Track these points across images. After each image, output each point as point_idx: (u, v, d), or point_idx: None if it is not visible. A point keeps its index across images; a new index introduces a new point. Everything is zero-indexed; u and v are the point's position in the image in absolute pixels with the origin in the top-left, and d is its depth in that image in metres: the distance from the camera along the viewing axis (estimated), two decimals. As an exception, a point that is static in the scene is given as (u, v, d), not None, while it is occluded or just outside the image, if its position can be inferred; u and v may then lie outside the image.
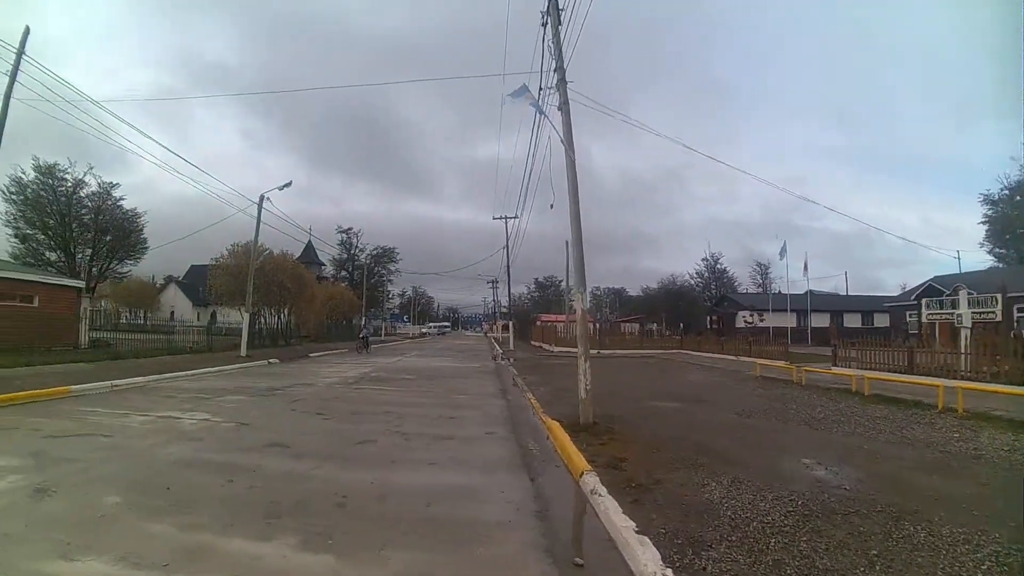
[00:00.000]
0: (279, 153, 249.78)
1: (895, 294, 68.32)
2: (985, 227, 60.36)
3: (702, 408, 14.22)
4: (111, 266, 39.16)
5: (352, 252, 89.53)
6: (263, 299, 42.13)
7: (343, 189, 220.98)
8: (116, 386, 16.13)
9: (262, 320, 45.98)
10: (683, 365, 30.09)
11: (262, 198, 32.76)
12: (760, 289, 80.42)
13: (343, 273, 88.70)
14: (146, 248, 40.50)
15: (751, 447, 9.53)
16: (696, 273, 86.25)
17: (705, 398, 16.13)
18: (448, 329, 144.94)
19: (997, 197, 58.94)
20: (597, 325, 63.02)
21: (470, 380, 22.12)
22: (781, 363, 25.39)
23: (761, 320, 49.80)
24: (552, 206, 14.49)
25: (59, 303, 29.81)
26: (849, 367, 22.77)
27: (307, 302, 55.47)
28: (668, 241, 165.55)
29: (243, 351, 30.95)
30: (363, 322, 46.72)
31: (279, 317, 47.71)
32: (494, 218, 50.93)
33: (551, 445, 9.90)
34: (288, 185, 33.12)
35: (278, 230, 48.22)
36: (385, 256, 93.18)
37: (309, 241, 72.78)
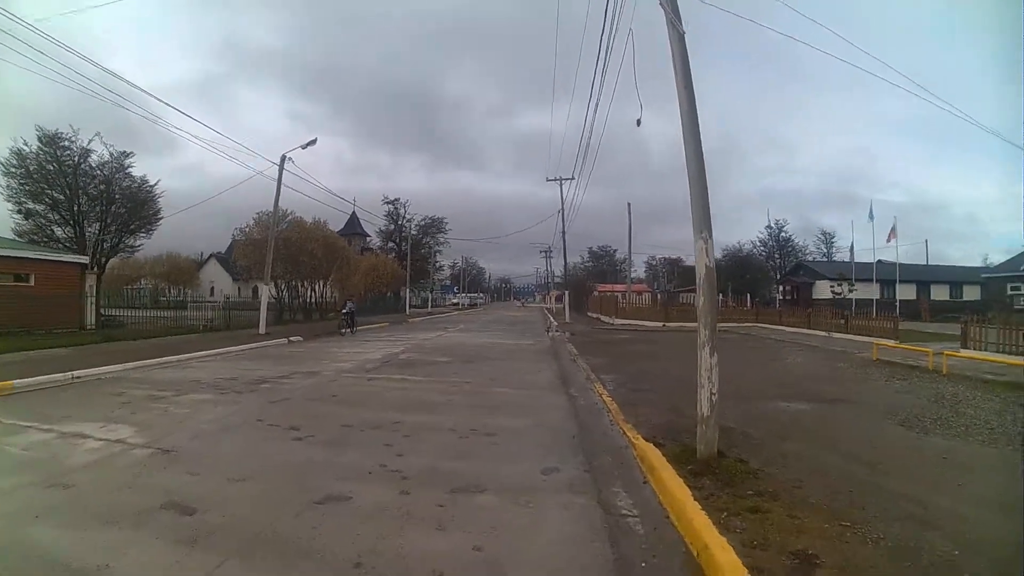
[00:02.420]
0: (329, 133, 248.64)
1: (975, 265, 62.96)
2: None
3: (847, 413, 10.46)
4: (122, 241, 35.44)
5: (399, 223, 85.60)
6: (291, 271, 38.69)
7: (392, 164, 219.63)
8: (78, 377, 13.37)
9: (293, 293, 43.19)
10: (772, 343, 25.70)
11: (283, 158, 29.06)
12: (824, 259, 75.76)
13: (390, 244, 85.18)
14: (159, 219, 36.84)
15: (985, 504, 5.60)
16: (760, 241, 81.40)
17: (837, 394, 12.23)
18: (482, 300, 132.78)
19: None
20: (658, 296, 58.95)
21: (520, 363, 17.99)
22: (890, 342, 21.63)
23: (852, 291, 44.70)
24: (639, 122, 10.08)
25: (59, 281, 26.80)
26: (986, 350, 18.37)
27: (347, 274, 52.25)
28: (723, 211, 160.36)
29: (261, 328, 27.74)
30: (349, 297, 37.94)
31: (312, 290, 44.20)
32: (548, 179, 46.44)
33: (656, 503, 5.81)
34: (313, 143, 29.42)
35: (322, 203, 44.74)
36: (433, 226, 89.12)
37: (353, 212, 70.18)
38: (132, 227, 35.52)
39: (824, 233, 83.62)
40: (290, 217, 39.60)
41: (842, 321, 29.29)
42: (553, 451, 7.56)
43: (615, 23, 14.60)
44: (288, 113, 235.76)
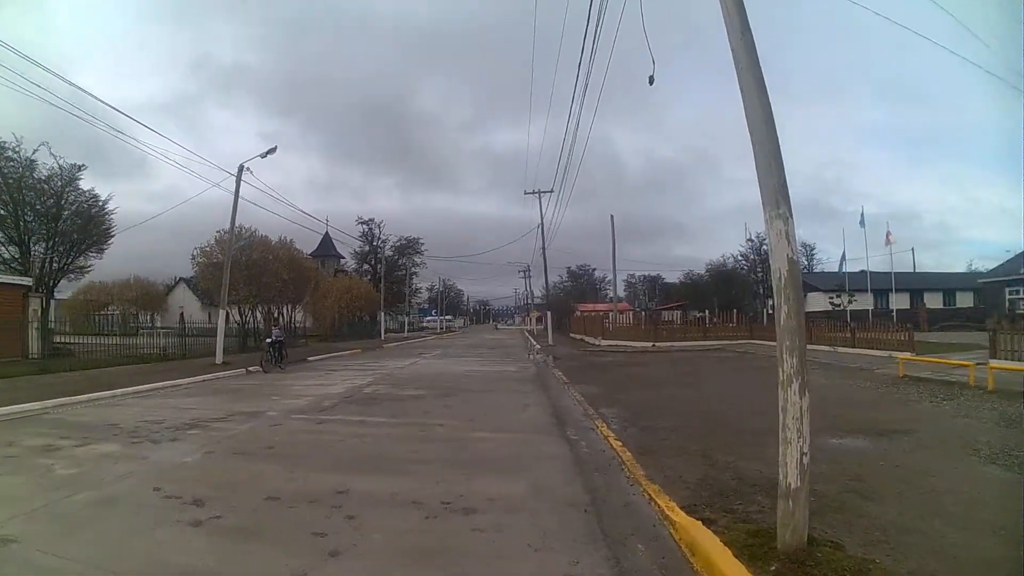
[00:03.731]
0: (302, 153, 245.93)
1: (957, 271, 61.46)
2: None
3: (916, 449, 8.51)
4: (72, 261, 32.93)
5: (374, 244, 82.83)
6: (255, 293, 36.15)
7: (366, 185, 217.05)
8: None
9: (266, 318, 40.58)
10: (773, 362, 22.98)
11: (241, 168, 26.68)
12: (806, 270, 72.80)
13: (365, 267, 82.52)
14: (111, 237, 34.36)
15: None
16: (741, 256, 79.25)
17: (889, 423, 10.22)
18: (460, 323, 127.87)
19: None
20: (643, 315, 57.01)
21: (504, 395, 15.56)
22: (906, 355, 19.97)
23: (850, 302, 42.90)
24: (652, 79, 7.94)
25: None
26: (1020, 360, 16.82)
27: (320, 297, 50.06)
28: (699, 227, 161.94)
29: (218, 357, 25.16)
30: (275, 322, 32.88)
31: (280, 314, 41.74)
32: (526, 193, 44.09)
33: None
34: (272, 151, 27.13)
35: (298, 224, 42.76)
36: (409, 247, 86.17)
37: (326, 233, 67.74)
38: (82, 246, 33.02)
39: (804, 245, 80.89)
40: (247, 235, 37.02)
41: (848, 334, 27.24)
42: (561, 539, 5.21)
43: (599, 25, 12.94)
44: (260, 133, 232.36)
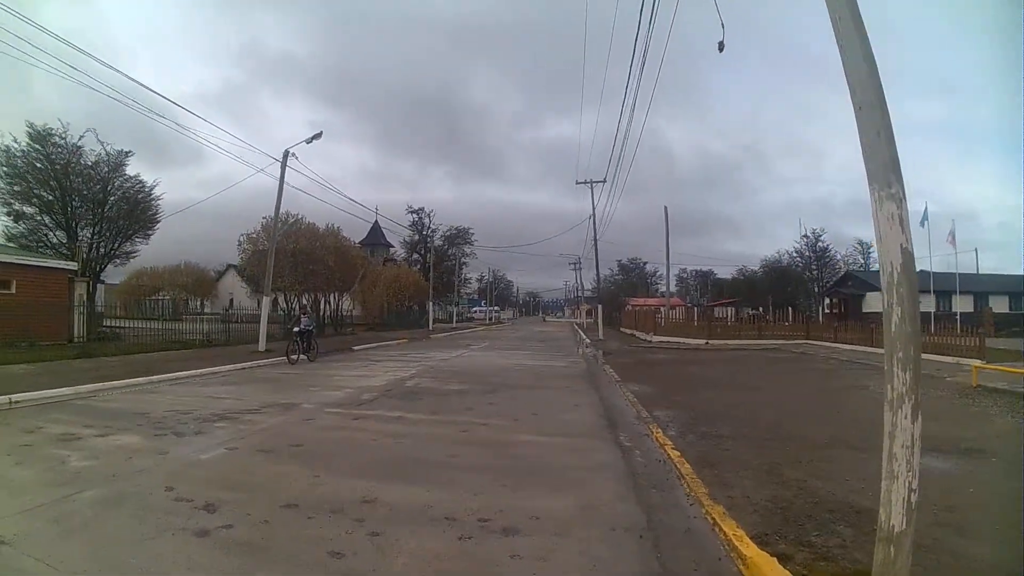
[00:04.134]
0: (352, 142, 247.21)
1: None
2: None
3: (1008, 474, 7.41)
4: (119, 246, 32.96)
5: (424, 233, 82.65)
6: (300, 280, 35.83)
7: (417, 175, 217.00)
8: (17, 402, 11.30)
9: (314, 306, 40.23)
10: (837, 365, 22.37)
11: (286, 154, 26.19)
12: (862, 269, 70.49)
13: (414, 256, 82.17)
14: (157, 223, 34.34)
15: None
16: (796, 252, 77.44)
17: (971, 442, 9.13)
18: (499, 313, 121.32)
19: None
20: (695, 311, 55.83)
21: (552, 392, 14.76)
22: (977, 362, 18.49)
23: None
24: (721, 45, 7.20)
25: (45, 289, 24.33)
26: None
27: (369, 286, 49.75)
28: (749, 223, 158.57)
29: (261, 345, 24.80)
30: (299, 309, 29.76)
31: (327, 302, 41.48)
32: (577, 183, 42.89)
33: None
34: (318, 137, 26.63)
35: (348, 212, 42.28)
36: (459, 237, 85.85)
37: (375, 222, 67.39)
38: (128, 232, 33.01)
39: (861, 243, 78.41)
40: (292, 222, 36.68)
41: (914, 339, 25.89)
42: (613, 572, 4.47)
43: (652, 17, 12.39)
44: (310, 123, 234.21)
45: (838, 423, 10.57)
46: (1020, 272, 67.27)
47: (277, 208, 27.09)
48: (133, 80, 19.80)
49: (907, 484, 3.72)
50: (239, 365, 19.05)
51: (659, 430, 9.45)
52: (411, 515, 5.55)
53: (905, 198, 3.83)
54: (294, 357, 21.25)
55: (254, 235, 36.53)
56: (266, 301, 26.66)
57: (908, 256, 3.79)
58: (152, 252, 40.74)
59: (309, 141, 26.46)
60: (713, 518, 5.50)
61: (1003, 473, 7.37)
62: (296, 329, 22.39)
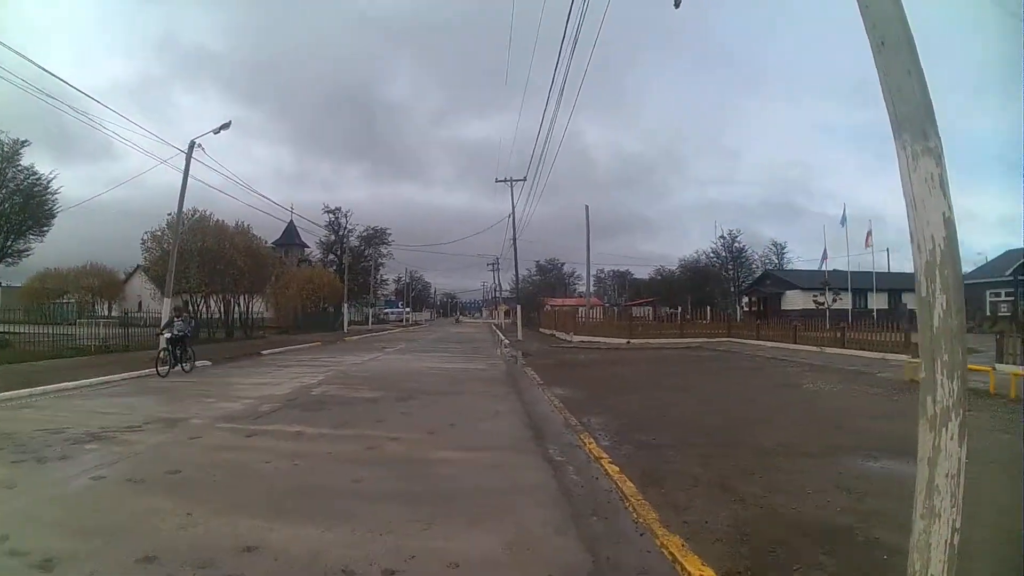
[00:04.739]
0: (269, 141, 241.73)
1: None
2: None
3: (978, 475, 6.26)
4: (12, 243, 30.60)
5: (341, 234, 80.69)
6: (207, 282, 34.01)
7: (334, 175, 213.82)
8: None
9: (227, 308, 39.11)
10: (764, 362, 22.20)
11: (192, 144, 24.47)
12: (775, 269, 72.43)
13: (331, 257, 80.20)
14: (52, 217, 32.06)
15: None
16: (713, 252, 78.43)
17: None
18: (409, 313, 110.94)
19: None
20: (615, 310, 55.75)
21: (472, 398, 13.69)
22: (903, 357, 18.75)
23: (835, 300, 41.60)
24: (678, 2, 6.31)
25: None
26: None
27: (282, 287, 48.04)
28: (666, 223, 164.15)
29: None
30: (178, 312, 20.56)
31: (236, 304, 39.69)
32: (497, 180, 42.05)
33: None
34: (226, 127, 25.09)
35: (264, 212, 40.55)
36: (377, 238, 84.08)
37: (291, 221, 65.37)
38: (22, 228, 30.68)
39: (775, 244, 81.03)
40: (197, 218, 34.89)
41: (836, 334, 25.74)
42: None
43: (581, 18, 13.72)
44: (226, 120, 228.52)
45: (781, 426, 9.95)
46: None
47: (180, 203, 25.33)
48: (40, 68, 18.10)
49: (950, 523, 2.83)
50: (134, 373, 17.51)
51: (591, 440, 8.57)
52: (301, 567, 4.45)
53: (943, 153, 2.91)
54: (164, 369, 17.79)
55: (159, 233, 34.46)
56: (167, 303, 24.82)
57: (952, 229, 2.87)
58: (58, 253, 38.46)
59: (217, 131, 24.86)
60: (672, 553, 4.61)
61: (971, 475, 6.63)
62: (167, 336, 18.75)
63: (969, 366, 11.74)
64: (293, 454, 8.03)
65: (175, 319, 19.22)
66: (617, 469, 6.96)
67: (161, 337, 19.12)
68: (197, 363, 20.00)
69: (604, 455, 7.66)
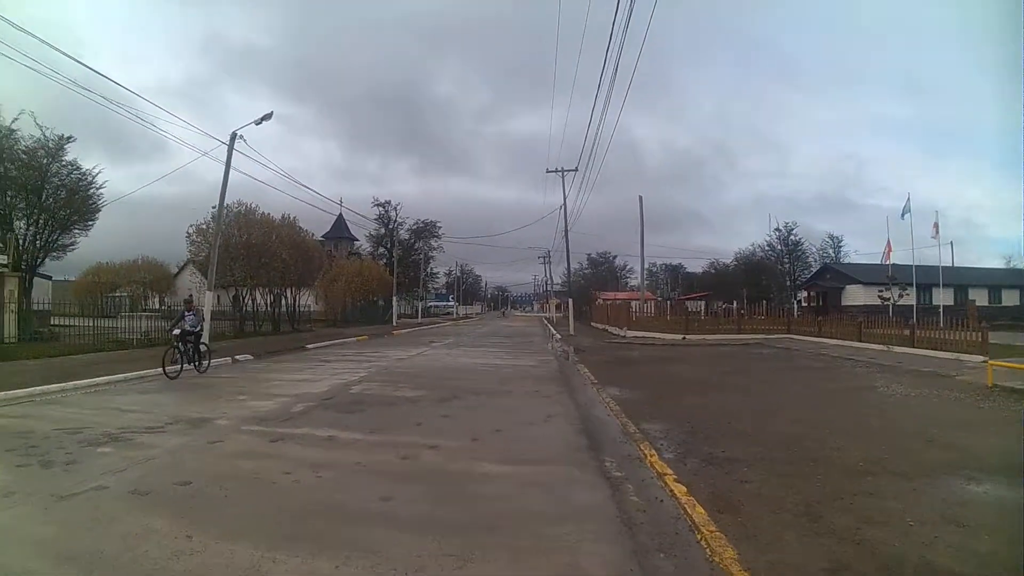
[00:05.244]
0: (318, 138, 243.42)
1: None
2: None
3: None
4: (57, 238, 30.39)
5: (390, 227, 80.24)
6: (251, 274, 33.73)
7: (384, 169, 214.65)
8: None
9: (276, 301, 38.99)
10: (830, 361, 20.86)
11: (233, 136, 24.27)
12: (831, 261, 71.35)
13: (380, 250, 79.89)
14: (97, 211, 31.80)
15: None
16: (768, 246, 76.29)
17: None
18: (453, 307, 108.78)
19: None
20: (669, 304, 54.45)
21: (520, 400, 12.64)
22: (979, 358, 18.13)
23: (901, 296, 39.84)
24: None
25: None
26: None
27: (331, 280, 47.75)
28: (717, 218, 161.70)
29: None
30: (187, 304, 18.11)
31: (284, 298, 39.40)
32: (548, 171, 41.09)
33: None
34: (268, 117, 24.79)
35: (314, 206, 40.11)
36: (426, 231, 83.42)
37: (340, 215, 65.51)
38: (66, 223, 30.50)
39: (831, 237, 78.82)
40: (239, 211, 34.70)
41: (906, 332, 24.26)
42: None
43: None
44: (276, 118, 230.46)
45: (865, 437, 8.81)
46: (998, 265, 67.43)
47: (223, 195, 24.94)
48: (90, 68, 17.88)
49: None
50: (170, 367, 16.50)
51: (653, 452, 7.60)
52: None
53: None
54: (173, 368, 15.89)
55: (204, 226, 34.18)
56: (209, 296, 24.59)
57: None
58: (112, 247, 38.42)
59: (259, 122, 24.59)
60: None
61: None
62: (176, 331, 16.71)
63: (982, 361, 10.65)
64: (319, 464, 7.19)
65: (185, 313, 17.22)
66: (684, 489, 6.02)
67: (173, 335, 16.81)
68: (238, 357, 19.51)
69: (668, 471, 6.72)
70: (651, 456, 7.40)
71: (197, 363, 16.88)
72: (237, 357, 20.22)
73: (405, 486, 6.35)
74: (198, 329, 17.31)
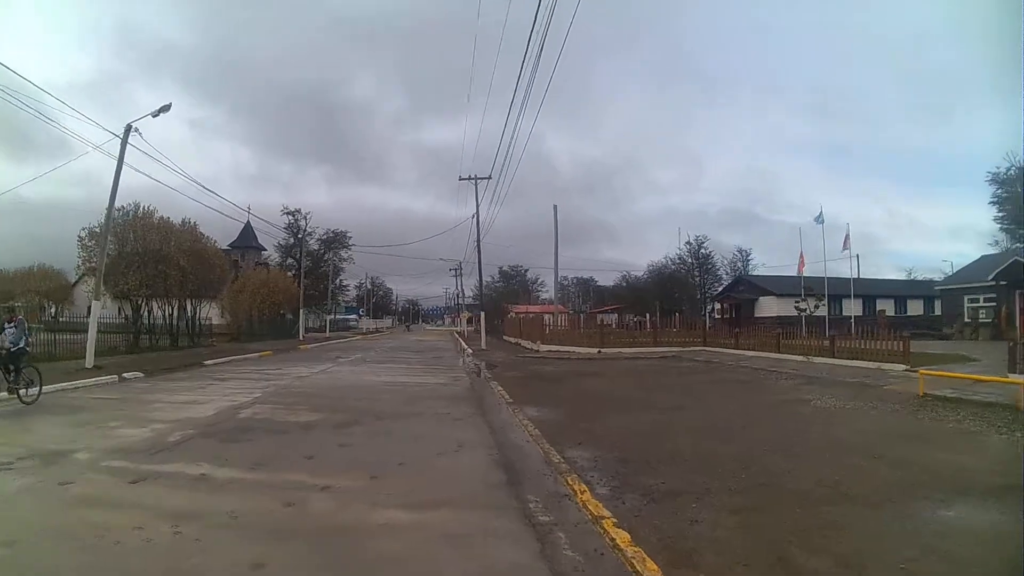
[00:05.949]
0: (230, 141, 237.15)
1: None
2: (995, 207, 54.35)
3: None
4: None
5: (300, 237, 78.08)
6: (146, 283, 31.71)
7: (295, 177, 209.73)
8: None
9: (180, 314, 37.18)
10: (752, 373, 20.61)
11: (128, 129, 22.31)
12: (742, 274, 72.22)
13: (289, 260, 77.66)
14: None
15: None
16: (679, 259, 77.13)
17: (990, 478, 7.26)
18: (355, 321, 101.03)
19: (1004, 176, 52.05)
20: (580, 318, 54.19)
21: (429, 426, 11.20)
22: (901, 367, 18.84)
23: (816, 307, 40.25)
24: None
25: None
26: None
27: (236, 291, 45.75)
28: (628, 231, 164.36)
29: (88, 361, 20.47)
30: (9, 315, 16.17)
31: (182, 309, 37.36)
32: (461, 178, 40.20)
33: None
34: (166, 109, 22.97)
35: (223, 213, 38.29)
36: (336, 241, 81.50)
37: (247, 223, 63.25)
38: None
39: (740, 250, 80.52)
40: (131, 214, 32.71)
41: (826, 343, 24.14)
42: None
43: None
44: (189, 121, 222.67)
45: (811, 456, 8.28)
46: (900, 277, 70.53)
47: (113, 193, 22.88)
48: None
49: None
50: (54, 387, 15.10)
51: (584, 487, 6.58)
52: None
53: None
54: None
55: (97, 230, 31.84)
56: (95, 306, 22.56)
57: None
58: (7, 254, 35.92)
59: (155, 114, 22.70)
60: None
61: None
62: None
63: (976, 376, 10.31)
64: (181, 514, 5.73)
65: (5, 326, 13.63)
66: (627, 537, 5.02)
67: None
68: (127, 375, 17.83)
69: (605, 512, 5.70)
70: (582, 493, 6.36)
71: (22, 390, 13.12)
72: (125, 375, 18.50)
73: (284, 546, 5.03)
74: (21, 345, 13.46)
